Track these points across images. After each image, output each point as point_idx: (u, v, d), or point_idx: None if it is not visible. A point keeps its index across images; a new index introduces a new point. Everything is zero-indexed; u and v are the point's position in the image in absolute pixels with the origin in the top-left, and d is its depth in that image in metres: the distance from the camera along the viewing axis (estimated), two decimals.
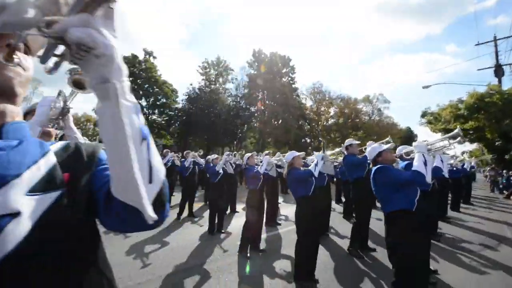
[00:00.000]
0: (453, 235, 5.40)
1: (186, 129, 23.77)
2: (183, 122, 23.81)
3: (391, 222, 2.29)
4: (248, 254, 4.08)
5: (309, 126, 29.33)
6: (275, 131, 24.33)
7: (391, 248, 2.28)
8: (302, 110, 28.26)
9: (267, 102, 26.71)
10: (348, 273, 3.57)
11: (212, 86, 27.69)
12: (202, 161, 6.35)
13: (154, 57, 25.86)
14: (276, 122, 26.78)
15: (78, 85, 1.28)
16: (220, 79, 29.05)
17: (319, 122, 28.94)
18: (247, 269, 3.65)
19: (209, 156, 5.63)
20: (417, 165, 2.20)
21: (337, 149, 3.56)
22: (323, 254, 4.20)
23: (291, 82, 27.95)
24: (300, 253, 3.23)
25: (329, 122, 28.97)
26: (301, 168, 3.47)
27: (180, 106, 25.88)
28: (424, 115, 20.77)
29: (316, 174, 3.20)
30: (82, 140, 1.48)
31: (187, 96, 24.92)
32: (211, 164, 5.42)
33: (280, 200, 9.81)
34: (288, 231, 5.31)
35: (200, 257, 3.97)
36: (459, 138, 2.49)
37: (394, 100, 79.21)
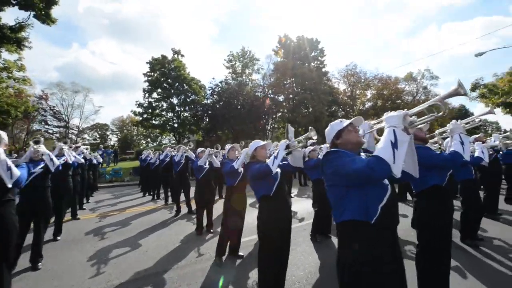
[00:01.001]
0: (503, 239, 4.10)
1: (213, 123, 23.97)
2: (210, 117, 24.04)
3: (342, 234, 1.51)
4: (223, 260, 3.60)
5: (343, 112, 27.15)
6: (304, 120, 22.95)
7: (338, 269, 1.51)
8: (334, 95, 26.21)
9: (295, 89, 25.34)
10: None
11: (239, 79, 27.37)
12: (194, 155, 5.97)
13: (182, 55, 26.56)
14: (306, 110, 25.37)
15: None
16: (247, 71, 28.57)
17: (354, 107, 26.56)
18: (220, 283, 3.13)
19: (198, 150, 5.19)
20: (381, 148, 1.32)
21: (305, 135, 2.68)
22: (312, 263, 3.50)
23: (320, 66, 26.01)
24: (261, 269, 2.60)
25: (366, 106, 26.37)
26: (266, 161, 2.77)
27: (209, 101, 26.21)
28: (475, 88, 16.82)
29: (273, 169, 2.49)
30: None
31: (210, 90, 25.07)
32: (197, 159, 5.01)
33: (294, 192, 9.08)
34: None
35: (169, 262, 3.60)
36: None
37: (444, 75, 69.07)
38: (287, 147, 2.64)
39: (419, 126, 2.90)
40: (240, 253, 3.78)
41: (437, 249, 2.56)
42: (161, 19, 67.10)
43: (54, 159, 3.53)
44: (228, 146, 4.27)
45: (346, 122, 1.70)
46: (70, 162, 4.45)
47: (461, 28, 71.03)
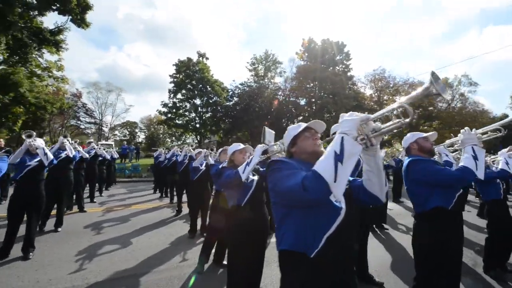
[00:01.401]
0: None
1: (232, 125, 24.12)
2: (230, 118, 24.23)
3: (280, 265, 1.24)
4: (204, 269, 3.41)
5: None
6: (326, 125, 22.13)
7: None
8: (359, 100, 25.05)
9: (317, 93, 24.64)
10: None
11: (261, 82, 27.31)
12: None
13: (207, 58, 27.22)
14: (328, 115, 24.53)
15: None
16: (269, 74, 28.43)
17: None
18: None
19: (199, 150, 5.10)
20: (321, 160, 1.00)
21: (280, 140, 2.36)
22: None
23: (345, 70, 25.08)
24: (230, 284, 2.37)
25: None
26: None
27: (230, 103, 26.48)
28: None
29: (244, 176, 2.23)
30: None
31: (231, 92, 25.28)
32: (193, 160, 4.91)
33: None
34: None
35: (150, 265, 3.49)
36: None
37: (485, 82, 63.13)
38: (264, 152, 2.39)
39: (424, 135, 2.50)
40: (225, 262, 3.57)
41: (442, 277, 2.11)
42: (192, 24, 69.50)
43: (48, 153, 3.61)
44: (222, 148, 4.09)
45: (303, 126, 1.42)
46: (71, 156, 4.58)
47: (505, 31, 63.08)
